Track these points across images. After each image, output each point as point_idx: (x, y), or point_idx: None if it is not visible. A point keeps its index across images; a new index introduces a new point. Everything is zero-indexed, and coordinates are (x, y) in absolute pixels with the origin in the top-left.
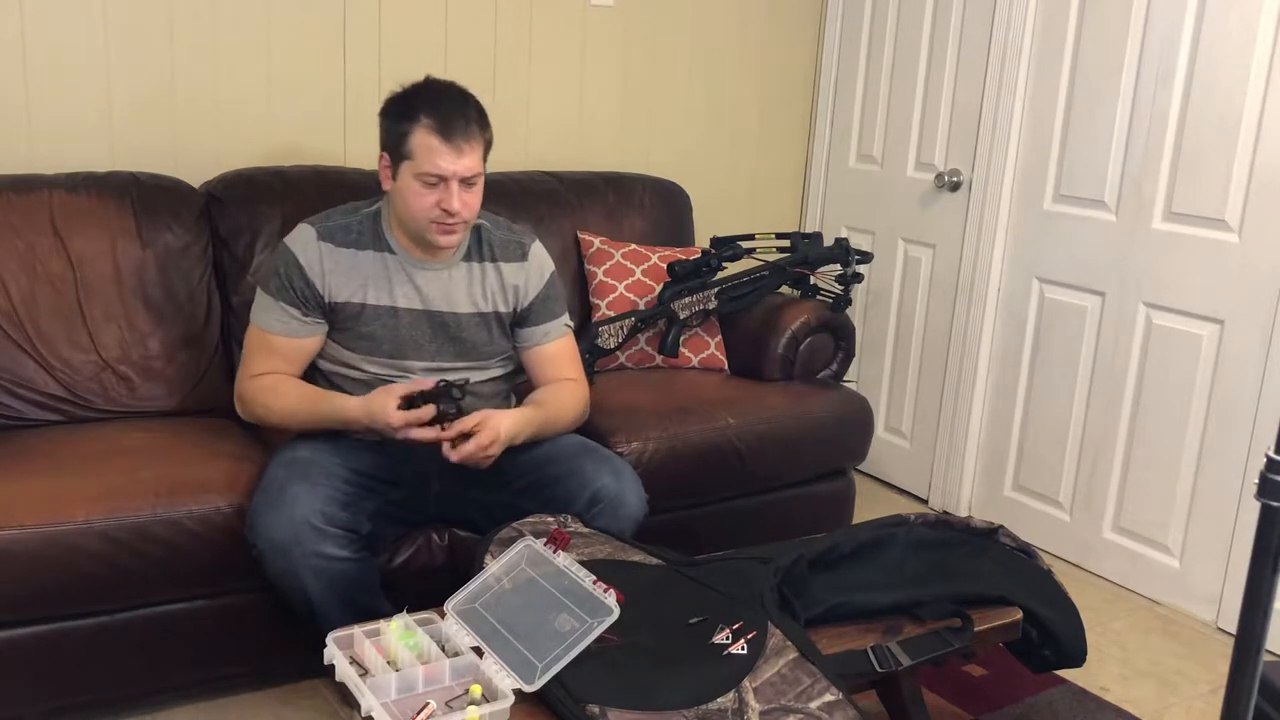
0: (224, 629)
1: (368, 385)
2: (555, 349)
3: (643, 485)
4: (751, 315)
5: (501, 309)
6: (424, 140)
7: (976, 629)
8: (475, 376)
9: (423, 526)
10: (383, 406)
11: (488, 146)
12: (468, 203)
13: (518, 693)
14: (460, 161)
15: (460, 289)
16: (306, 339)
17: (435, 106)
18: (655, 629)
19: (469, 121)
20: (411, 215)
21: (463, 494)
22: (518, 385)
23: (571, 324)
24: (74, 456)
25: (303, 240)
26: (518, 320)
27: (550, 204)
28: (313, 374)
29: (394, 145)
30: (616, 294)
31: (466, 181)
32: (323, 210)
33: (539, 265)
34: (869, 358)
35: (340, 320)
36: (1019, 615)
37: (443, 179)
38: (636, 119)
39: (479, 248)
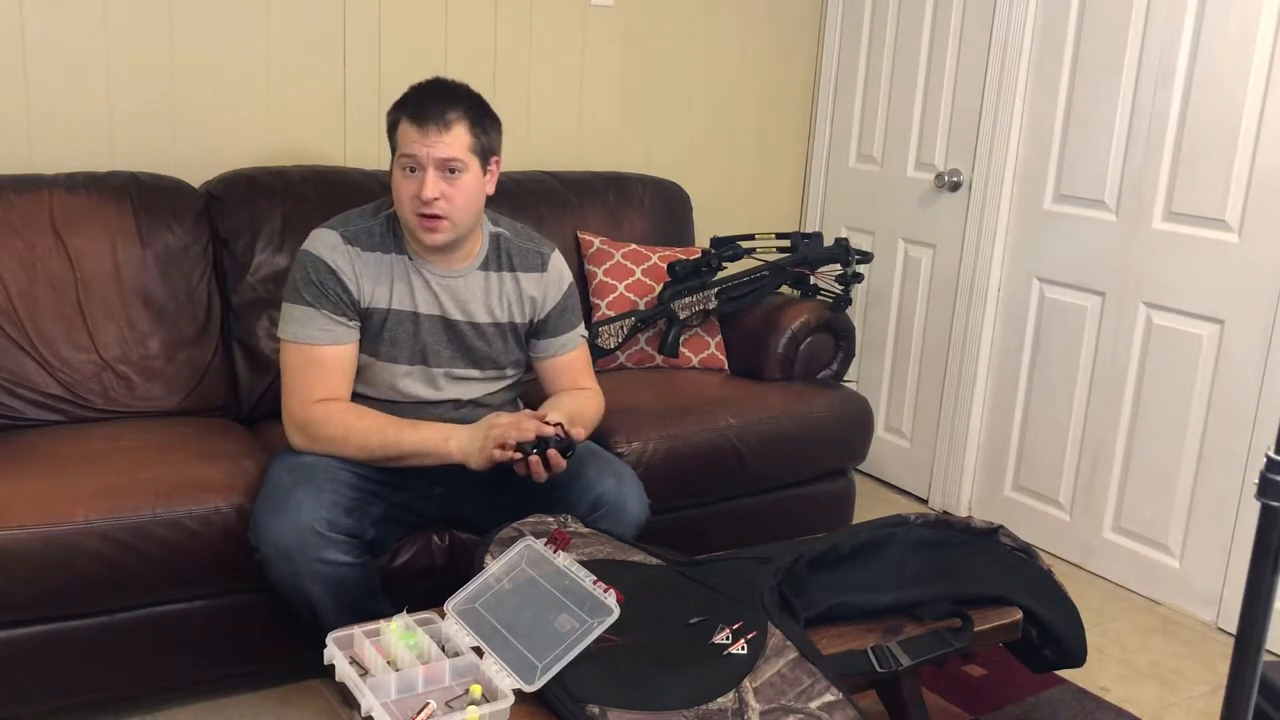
0: (224, 629)
1: (394, 406)
2: (571, 359)
3: (644, 489)
4: (751, 315)
5: (518, 320)
6: (403, 127)
7: (976, 629)
8: (490, 387)
9: (424, 528)
10: (497, 438)
11: (479, 141)
12: (449, 194)
13: (518, 693)
14: (434, 144)
15: (477, 298)
16: (352, 344)
17: (420, 94)
18: (655, 629)
19: (447, 107)
20: (400, 208)
21: (465, 496)
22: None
23: (586, 334)
24: (74, 456)
25: (329, 245)
26: (534, 331)
27: (550, 204)
28: None
29: (390, 142)
30: (616, 294)
31: (446, 170)
32: (322, 210)
33: (557, 276)
34: (869, 358)
35: (368, 326)
36: (1019, 615)
37: (418, 162)
38: (636, 119)
39: (497, 257)
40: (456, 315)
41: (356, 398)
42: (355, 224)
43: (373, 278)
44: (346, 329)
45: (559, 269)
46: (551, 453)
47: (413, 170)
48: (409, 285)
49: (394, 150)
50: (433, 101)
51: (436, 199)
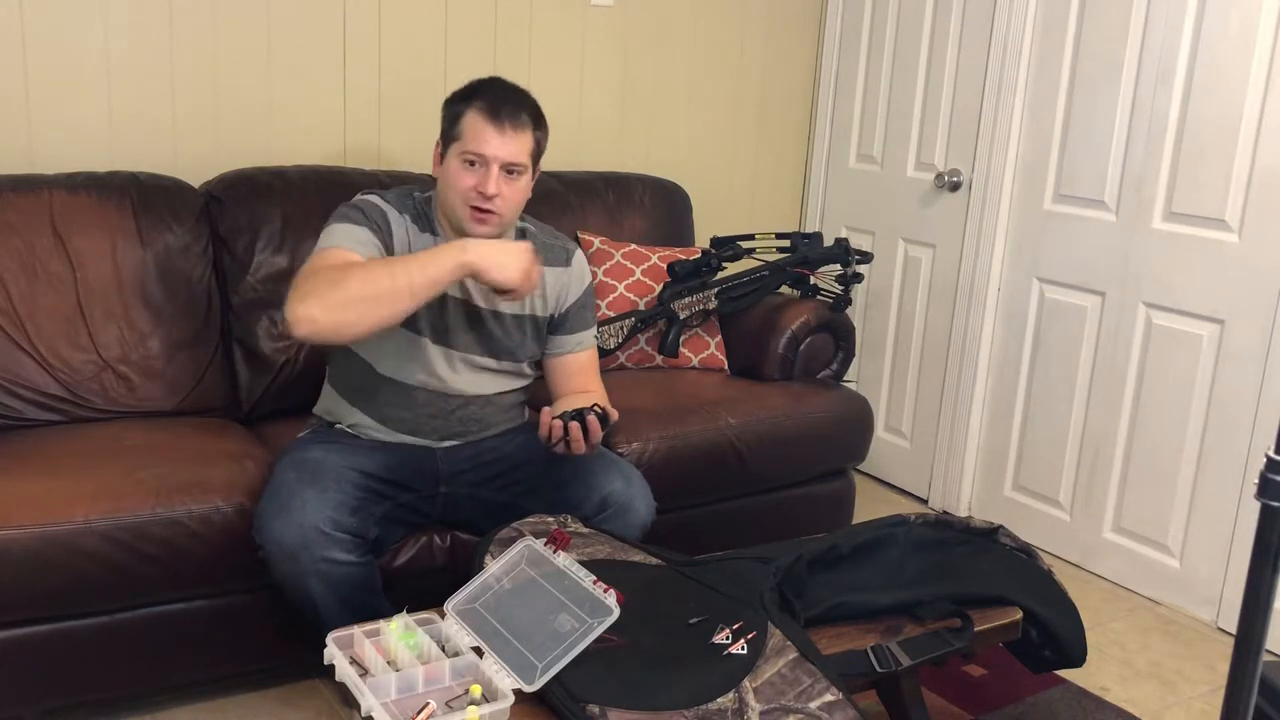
0: (224, 629)
1: (390, 383)
2: (584, 360)
3: (651, 491)
4: (751, 315)
5: (540, 313)
6: (472, 120)
7: (976, 629)
8: (503, 384)
9: (426, 528)
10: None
11: (538, 146)
12: (505, 194)
13: (518, 693)
14: (504, 145)
15: None
16: None
17: (491, 92)
18: (655, 629)
19: (520, 110)
20: (450, 196)
21: (469, 496)
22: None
23: (598, 337)
24: (74, 456)
25: (382, 201)
26: (552, 326)
27: (550, 204)
28: (339, 356)
29: (447, 128)
30: (616, 294)
31: (509, 170)
32: (322, 210)
33: (580, 272)
34: (869, 358)
35: None
36: (1019, 615)
37: (484, 160)
38: (636, 119)
39: None
40: (480, 302)
41: (369, 374)
42: (392, 198)
43: (404, 248)
44: (380, 251)
45: (581, 266)
46: (591, 419)
47: (472, 164)
48: None
49: (451, 139)
50: (508, 99)
51: (495, 196)
